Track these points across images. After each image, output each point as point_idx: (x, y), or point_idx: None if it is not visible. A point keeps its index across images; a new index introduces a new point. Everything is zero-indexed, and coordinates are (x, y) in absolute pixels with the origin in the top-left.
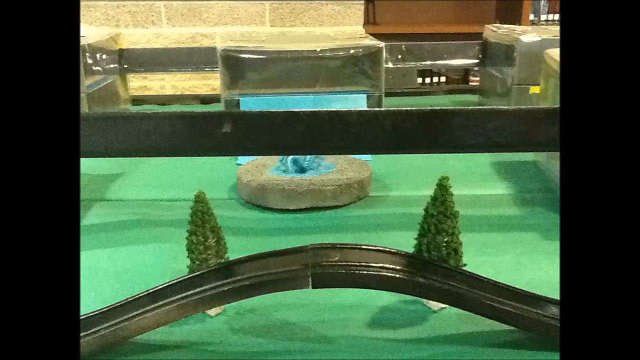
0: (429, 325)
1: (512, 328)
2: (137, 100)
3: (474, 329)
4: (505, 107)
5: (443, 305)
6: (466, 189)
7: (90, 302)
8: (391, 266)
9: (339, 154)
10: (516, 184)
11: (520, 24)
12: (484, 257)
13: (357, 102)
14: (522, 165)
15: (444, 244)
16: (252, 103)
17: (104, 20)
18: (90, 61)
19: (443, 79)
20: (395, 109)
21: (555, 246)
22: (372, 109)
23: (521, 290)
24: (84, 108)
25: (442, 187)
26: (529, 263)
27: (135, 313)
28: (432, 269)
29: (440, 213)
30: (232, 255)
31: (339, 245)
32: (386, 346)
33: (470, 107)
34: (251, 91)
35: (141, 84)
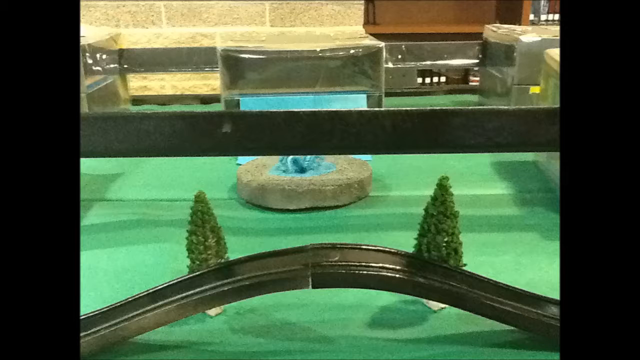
0: (429, 325)
1: (512, 328)
2: (137, 100)
3: (474, 329)
4: (505, 107)
5: (443, 305)
6: (466, 189)
7: (90, 302)
8: (391, 266)
9: (339, 154)
10: (516, 184)
11: (520, 24)
12: (484, 257)
13: (357, 102)
14: (522, 165)
15: (444, 244)
16: (252, 103)
17: (104, 20)
18: (90, 61)
19: (443, 79)
20: (395, 109)
21: (555, 246)
22: (372, 109)
23: (521, 290)
24: (84, 108)
25: (442, 187)
26: (529, 263)
27: (135, 313)
28: (432, 269)
29: (440, 213)
30: (232, 255)
31: (339, 245)
32: (386, 346)
33: (470, 107)
34: (251, 91)
35: (141, 84)
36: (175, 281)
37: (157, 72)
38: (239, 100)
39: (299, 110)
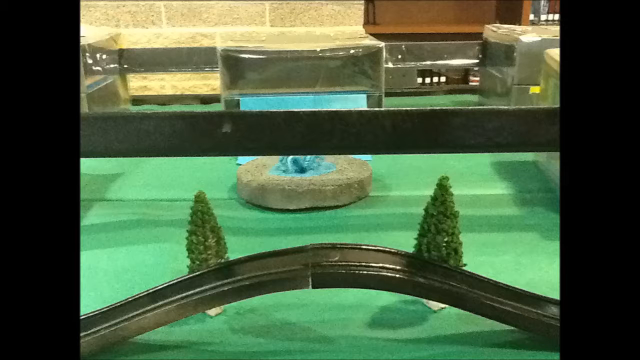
0: (429, 325)
1: (512, 328)
2: (137, 100)
3: (474, 329)
4: (505, 107)
5: (443, 305)
6: (466, 189)
7: (90, 302)
8: (391, 266)
9: (339, 154)
10: (516, 184)
11: (520, 24)
12: (484, 257)
13: (357, 102)
14: (522, 165)
15: (444, 244)
16: (252, 103)
17: (104, 20)
18: (90, 61)
19: (443, 79)
20: (395, 109)
21: (555, 246)
22: (372, 109)
23: (521, 290)
24: (84, 108)
25: (442, 187)
26: (529, 263)
27: (135, 313)
28: (432, 269)
29: (440, 213)
30: (232, 255)
31: (339, 245)
32: (386, 346)
33: (470, 107)
34: (251, 91)
35: (141, 84)
36: (175, 281)
37: (157, 72)
38: (239, 100)
39: (299, 110)
